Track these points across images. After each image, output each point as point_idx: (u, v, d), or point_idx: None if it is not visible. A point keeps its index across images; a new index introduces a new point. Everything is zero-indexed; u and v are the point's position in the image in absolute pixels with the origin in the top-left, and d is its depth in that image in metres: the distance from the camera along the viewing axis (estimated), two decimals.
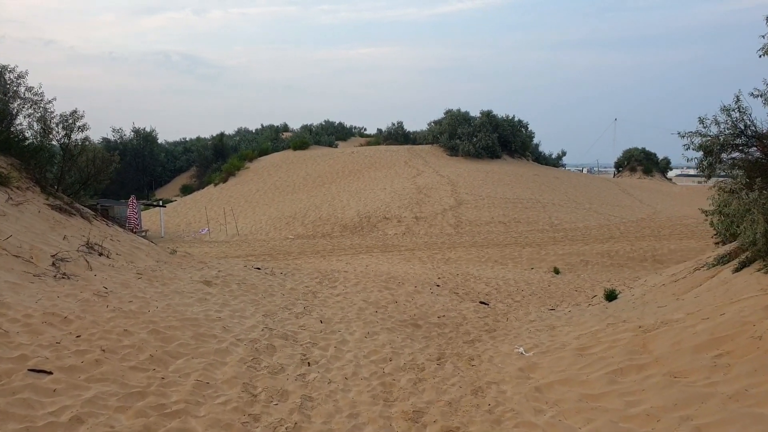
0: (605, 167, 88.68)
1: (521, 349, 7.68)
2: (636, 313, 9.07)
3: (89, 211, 11.62)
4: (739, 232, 7.42)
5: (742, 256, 8.72)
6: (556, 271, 19.34)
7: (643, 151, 63.78)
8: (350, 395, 5.75)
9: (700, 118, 10.12)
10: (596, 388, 5.72)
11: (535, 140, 49.66)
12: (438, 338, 8.46)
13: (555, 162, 55.97)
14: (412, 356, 7.26)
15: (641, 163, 62.35)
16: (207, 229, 30.31)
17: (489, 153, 40.55)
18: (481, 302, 12.47)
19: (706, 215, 15.49)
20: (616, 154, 70.22)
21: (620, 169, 64.91)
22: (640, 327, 7.23)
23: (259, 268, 12.01)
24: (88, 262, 8.56)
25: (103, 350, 5.43)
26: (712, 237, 16.96)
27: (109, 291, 7.54)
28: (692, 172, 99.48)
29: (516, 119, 44.19)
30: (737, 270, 8.55)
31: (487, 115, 42.33)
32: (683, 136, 10.29)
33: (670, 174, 67.87)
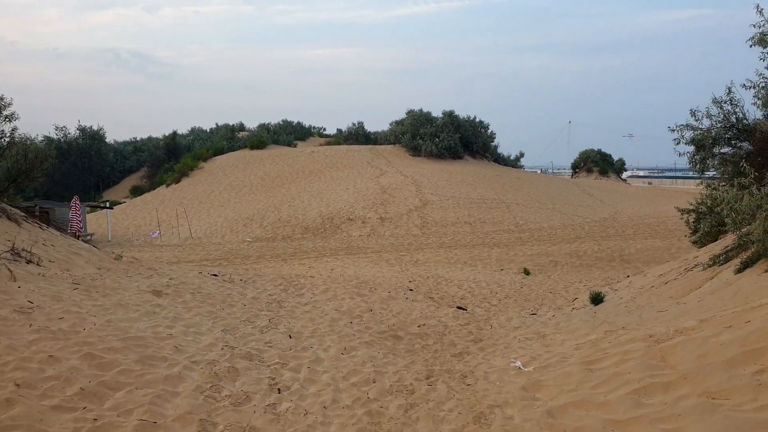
0: (560, 169, 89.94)
1: (518, 363, 6.83)
2: (633, 319, 8.37)
3: (18, 212, 10.25)
4: (751, 231, 6.75)
5: (743, 256, 8.12)
6: (527, 272, 18.77)
7: (599, 152, 64.64)
8: (331, 430, 4.77)
9: (691, 110, 9.54)
10: (620, 413, 4.90)
11: (494, 141, 49.51)
12: (422, 351, 7.54)
13: (514, 163, 55.97)
14: (397, 375, 6.31)
15: (597, 164, 63.14)
16: (158, 232, 28.67)
17: (451, 153, 40.02)
18: (459, 307, 11.65)
19: (683, 214, 15.16)
20: (570, 156, 71.09)
21: (577, 170, 65.60)
22: (650, 336, 6.46)
23: (216, 275, 10.86)
24: (11, 271, 7.29)
25: (18, 385, 4.30)
26: (686, 236, 16.69)
27: (35, 306, 6.33)
28: (642, 173, 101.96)
29: (477, 120, 43.85)
30: (740, 271, 7.94)
31: (450, 116, 41.81)
32: (673, 130, 9.70)
33: (623, 175, 69.12)
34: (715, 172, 10.41)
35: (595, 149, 64.11)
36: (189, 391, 5.05)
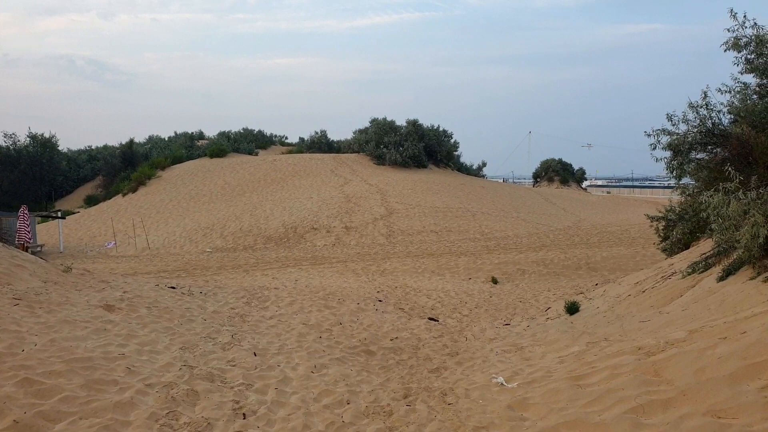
0: (520, 178, 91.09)
1: (500, 379, 6.42)
2: (614, 330, 8.09)
3: None
4: (737, 237, 6.53)
5: (725, 263, 7.93)
6: (494, 281, 18.52)
7: (560, 162, 65.65)
8: None
9: (668, 115, 9.38)
10: None
11: (457, 151, 49.58)
12: (397, 368, 7.07)
13: (476, 172, 56.24)
14: (373, 395, 5.82)
15: (558, 173, 64.09)
16: (113, 242, 27.47)
17: (416, 162, 39.80)
18: (431, 318, 11.24)
19: (652, 221, 15.12)
20: (531, 166, 72.04)
21: (538, 179, 66.45)
22: (639, 349, 6.15)
23: (174, 287, 10.17)
24: None
25: None
26: (654, 243, 16.69)
27: None
28: (600, 182, 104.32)
29: (441, 129, 43.82)
30: (722, 278, 7.74)
31: (414, 125, 41.64)
32: (650, 135, 9.51)
33: (584, 184, 70.32)
34: (689, 179, 10.28)
35: (556, 159, 65.04)
36: (142, 419, 4.46)
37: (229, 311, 8.91)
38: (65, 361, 5.31)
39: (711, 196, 6.80)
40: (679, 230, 12.00)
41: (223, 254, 23.55)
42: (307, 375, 6.18)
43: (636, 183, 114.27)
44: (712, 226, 6.86)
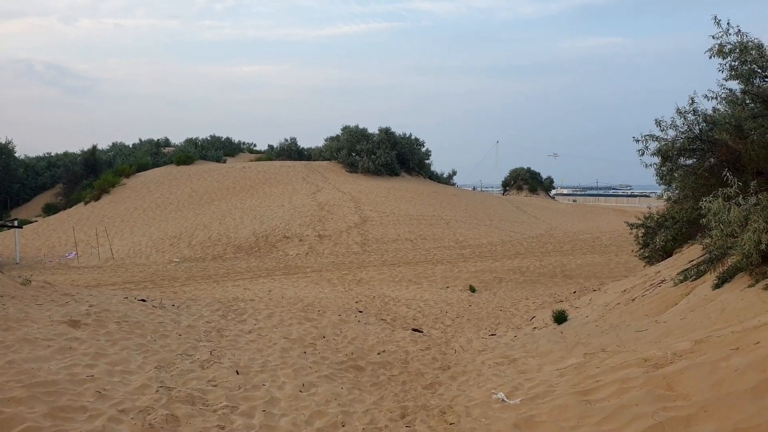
0: (488, 187, 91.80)
1: (501, 395, 6.07)
2: (610, 340, 7.83)
3: None
4: (740, 243, 6.34)
5: (720, 270, 7.76)
6: (472, 290, 18.27)
7: (529, 170, 66.23)
8: None
9: (656, 120, 9.24)
10: None
11: (429, 159, 49.48)
12: (390, 384, 6.66)
13: (447, 180, 56.28)
14: (369, 416, 5.40)
15: (527, 181, 64.62)
16: (75, 252, 26.38)
17: (388, 170, 39.51)
18: (415, 329, 10.87)
19: (632, 228, 15.07)
20: (499, 175, 72.63)
21: (508, 187, 66.88)
22: (646, 361, 5.87)
23: (144, 300, 9.57)
24: None
25: None
26: (633, 251, 16.66)
27: None
28: (566, 191, 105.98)
29: (413, 137, 43.65)
30: (718, 286, 7.56)
31: (386, 132, 41.36)
32: (638, 141, 9.36)
33: (552, 192, 71.12)
34: (673, 185, 10.16)
35: (525, 168, 65.61)
36: None
37: (204, 325, 8.37)
38: (26, 385, 4.76)
39: (711, 201, 6.59)
40: (662, 237, 11.91)
41: (192, 264, 22.78)
42: (295, 394, 5.73)
43: (601, 192, 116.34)
44: (713, 232, 6.65)
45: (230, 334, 8.04)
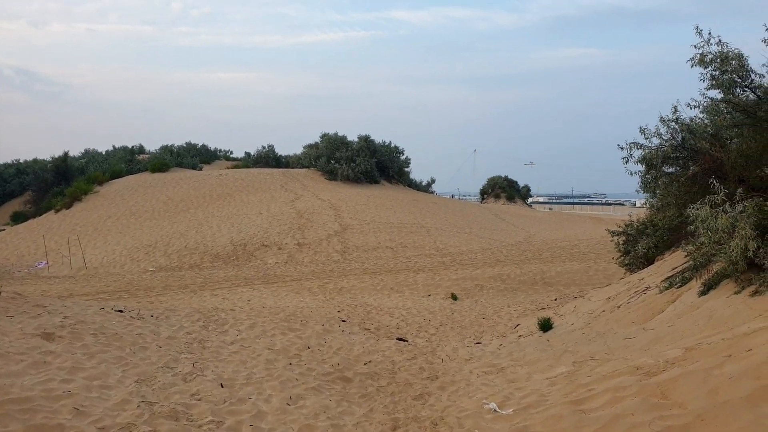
0: (466, 195, 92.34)
1: (492, 405, 5.96)
2: (598, 348, 7.80)
3: None
4: (728, 249, 6.36)
5: (705, 276, 7.79)
6: (454, 297, 18.21)
7: (506, 179, 66.76)
8: None
9: (641, 128, 9.29)
10: None
11: (408, 167, 49.53)
12: (379, 395, 6.52)
13: (426, 188, 56.42)
14: (360, 429, 5.26)
15: (504, 190, 65.09)
16: (45, 262, 25.71)
17: (368, 178, 39.41)
18: (399, 339, 10.75)
19: (613, 236, 15.17)
20: (476, 183, 73.03)
21: (485, 195, 67.27)
22: (638, 369, 5.82)
23: (122, 311, 9.27)
24: None
25: None
26: (614, 258, 16.77)
27: None
28: (541, 199, 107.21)
29: (393, 145, 43.67)
30: (704, 293, 7.59)
31: (366, 140, 41.29)
32: (623, 148, 9.39)
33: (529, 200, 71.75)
34: (653, 194, 10.21)
35: (502, 176, 66.09)
36: None
37: (185, 336, 8.13)
38: None
39: (698, 208, 6.61)
40: (644, 245, 11.98)
41: (168, 273, 22.34)
42: (282, 408, 5.55)
43: (576, 200, 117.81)
44: (702, 239, 6.66)
45: (212, 346, 7.81)
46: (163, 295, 17.88)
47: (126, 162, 48.52)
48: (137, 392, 5.39)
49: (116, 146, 61.88)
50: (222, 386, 5.97)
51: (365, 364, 7.89)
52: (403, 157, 44.28)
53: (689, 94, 9.60)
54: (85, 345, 6.72)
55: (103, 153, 60.58)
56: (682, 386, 5.06)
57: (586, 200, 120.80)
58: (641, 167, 9.03)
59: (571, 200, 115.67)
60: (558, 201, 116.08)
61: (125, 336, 7.42)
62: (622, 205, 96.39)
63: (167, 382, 5.85)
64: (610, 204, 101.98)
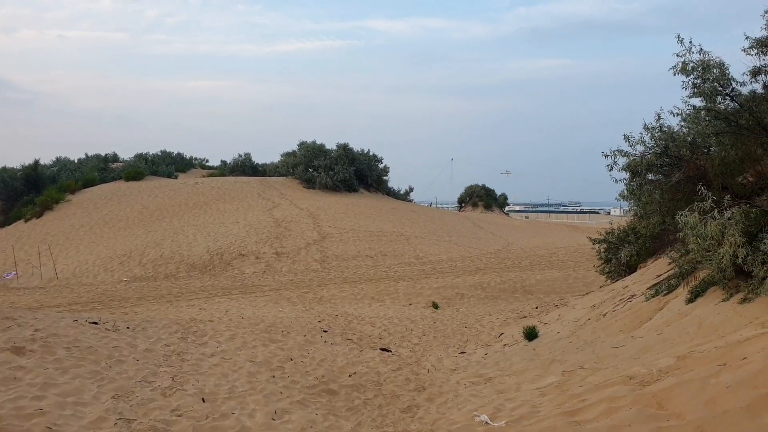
0: (443, 203, 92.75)
1: (484, 417, 5.81)
2: (587, 357, 7.71)
3: None
4: (718, 256, 6.32)
5: (692, 284, 7.77)
6: (435, 306, 18.10)
7: (483, 187, 67.13)
8: None
9: (625, 135, 9.29)
10: None
11: (387, 176, 49.45)
12: (366, 409, 6.32)
13: (404, 197, 56.39)
14: None
15: (482, 198, 65.42)
16: (14, 272, 24.97)
17: (347, 186, 39.21)
18: (383, 349, 10.56)
19: (594, 243, 15.22)
20: (453, 191, 73.28)
21: (463, 204, 67.50)
22: (630, 378, 5.73)
23: (96, 323, 8.93)
24: None
25: None
26: (595, 266, 16.82)
27: None
28: (518, 208, 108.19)
29: (372, 153, 43.59)
30: (691, 300, 7.56)
31: (344, 148, 41.12)
32: (607, 156, 9.38)
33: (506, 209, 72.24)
34: (638, 201, 10.21)
35: (480, 184, 66.44)
36: None
37: (163, 349, 7.84)
38: None
39: (687, 215, 6.58)
40: (626, 252, 12.00)
41: (143, 284, 21.83)
42: (267, 423, 5.33)
43: (551, 209, 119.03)
44: (691, 246, 6.62)
45: (192, 358, 7.54)
46: (138, 305, 17.44)
47: (99, 170, 47.55)
48: (114, 409, 5.13)
49: (89, 154, 60.64)
50: (204, 401, 5.72)
51: (350, 375, 7.69)
52: (381, 166, 44.23)
53: (660, 104, 9.67)
54: (57, 359, 6.40)
55: (76, 161, 59.31)
56: (679, 396, 4.96)
57: (561, 209, 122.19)
58: (626, 175, 9.01)
59: (546, 209, 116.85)
60: (534, 209, 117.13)
61: (100, 349, 7.11)
62: (597, 213, 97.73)
63: (146, 398, 5.59)
64: (585, 212, 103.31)
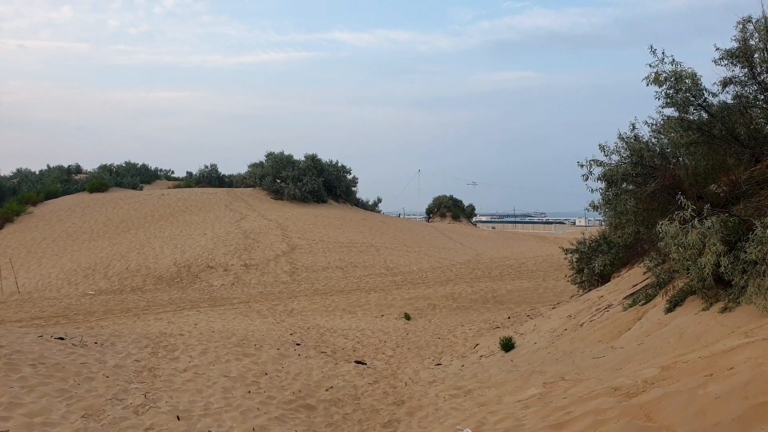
0: (411, 214, 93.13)
1: (467, 431, 5.70)
2: (567, 368, 7.68)
3: None
4: (700, 265, 6.36)
5: (670, 293, 7.83)
6: (407, 317, 17.99)
7: (451, 198, 67.44)
8: None
9: (600, 145, 9.36)
10: None
11: (355, 186, 49.29)
12: (346, 424, 6.15)
13: (373, 208, 56.30)
14: None
15: (450, 209, 65.68)
16: None
17: (315, 197, 38.91)
18: (358, 362, 10.37)
19: (566, 253, 15.33)
20: (421, 202, 73.50)
21: (431, 215, 67.72)
22: (616, 390, 5.69)
23: (62, 338, 8.54)
24: None
25: None
26: (566, 276, 16.96)
27: None
28: (484, 218, 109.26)
29: (340, 164, 43.41)
30: (670, 310, 7.61)
31: (312, 159, 40.86)
32: (582, 165, 9.44)
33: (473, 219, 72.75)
34: (614, 211, 10.28)
35: (447, 195, 66.78)
36: None
37: (134, 364, 7.52)
38: None
39: (668, 225, 6.62)
40: (600, 262, 12.10)
41: (109, 297, 21.17)
42: None
43: (517, 219, 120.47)
44: (672, 255, 6.66)
45: (164, 374, 7.25)
46: (104, 319, 16.88)
47: (62, 182, 46.20)
48: (84, 429, 4.85)
49: (51, 166, 58.96)
50: (178, 418, 5.48)
51: (327, 389, 7.51)
52: (350, 177, 44.06)
53: (626, 115, 9.83)
54: (23, 377, 6.06)
55: (37, 173, 57.57)
56: (667, 408, 4.93)
57: (527, 219, 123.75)
58: (602, 184, 9.07)
59: (513, 219, 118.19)
60: (501, 220, 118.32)
61: (68, 366, 6.78)
62: (563, 223, 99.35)
63: (117, 416, 5.31)
64: (551, 222, 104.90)
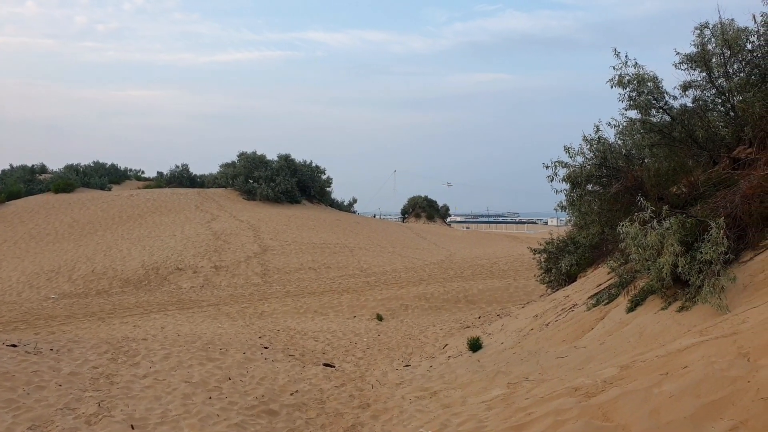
0: (386, 214, 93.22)
1: None
2: (532, 368, 7.70)
3: None
4: (659, 265, 6.43)
5: (632, 293, 7.91)
6: (380, 318, 17.96)
7: (426, 198, 67.70)
8: None
9: (565, 147, 9.43)
10: None
11: (330, 187, 49.12)
12: (308, 429, 6.06)
13: (348, 208, 56.15)
14: None
15: (425, 209, 65.94)
16: None
17: (288, 198, 38.61)
18: (326, 364, 10.28)
19: (534, 253, 15.44)
20: (396, 203, 73.61)
21: (406, 215, 67.87)
22: (576, 390, 5.71)
23: (15, 345, 8.28)
24: None
25: None
26: (534, 276, 17.08)
27: None
28: (459, 218, 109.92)
29: (314, 165, 43.17)
30: (631, 309, 7.69)
31: (286, 159, 40.54)
32: (547, 167, 9.50)
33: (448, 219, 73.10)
34: (579, 212, 10.37)
35: (422, 196, 67.00)
36: None
37: (90, 371, 7.32)
38: None
39: (628, 226, 6.68)
40: (566, 262, 12.20)
41: (73, 301, 20.69)
42: None
43: (491, 219, 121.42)
44: (632, 256, 6.72)
45: (122, 381, 7.07)
46: (66, 324, 16.48)
47: (25, 182, 45.08)
48: None
49: (14, 165, 57.50)
50: (132, 428, 5.33)
51: (291, 394, 7.41)
52: (324, 177, 43.86)
53: (596, 115, 9.93)
54: None
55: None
56: (623, 407, 4.96)
57: (500, 219, 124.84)
58: (566, 185, 9.13)
59: (486, 219, 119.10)
60: (474, 220, 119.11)
61: (18, 375, 6.56)
62: (535, 223, 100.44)
63: (67, 427, 5.15)
64: (523, 222, 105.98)
